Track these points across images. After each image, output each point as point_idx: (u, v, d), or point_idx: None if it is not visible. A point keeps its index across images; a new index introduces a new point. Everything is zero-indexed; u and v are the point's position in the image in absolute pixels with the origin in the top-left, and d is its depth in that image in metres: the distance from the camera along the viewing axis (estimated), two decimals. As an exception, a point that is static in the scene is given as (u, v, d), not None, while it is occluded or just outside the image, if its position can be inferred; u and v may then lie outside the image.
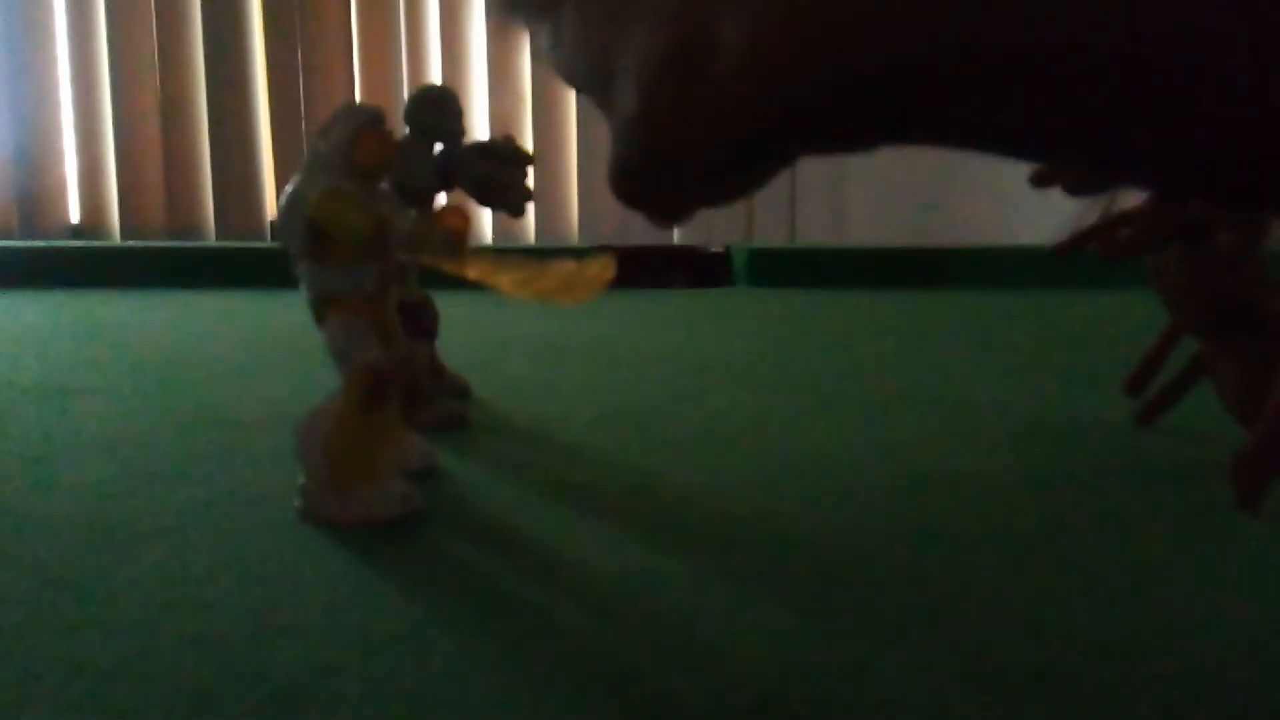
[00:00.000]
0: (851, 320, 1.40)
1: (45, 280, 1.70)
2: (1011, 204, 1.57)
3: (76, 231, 2.59)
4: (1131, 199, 0.74)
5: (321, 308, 0.58)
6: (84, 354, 1.08)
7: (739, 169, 0.25)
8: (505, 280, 0.56)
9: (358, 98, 2.60)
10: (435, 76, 2.62)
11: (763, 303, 1.64)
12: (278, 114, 2.60)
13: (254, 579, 0.50)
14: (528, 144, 2.61)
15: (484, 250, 0.57)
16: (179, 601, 0.47)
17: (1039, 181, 0.71)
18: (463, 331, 1.31)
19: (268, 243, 2.41)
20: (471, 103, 2.63)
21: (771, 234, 2.46)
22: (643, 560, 0.53)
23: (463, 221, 0.55)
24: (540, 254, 0.58)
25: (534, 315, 1.43)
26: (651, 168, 0.26)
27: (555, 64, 0.30)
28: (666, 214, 0.28)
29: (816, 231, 2.35)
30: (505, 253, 0.57)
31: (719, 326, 1.41)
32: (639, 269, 1.72)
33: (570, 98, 2.61)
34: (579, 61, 0.27)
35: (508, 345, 1.22)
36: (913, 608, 0.47)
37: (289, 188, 0.57)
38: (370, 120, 0.56)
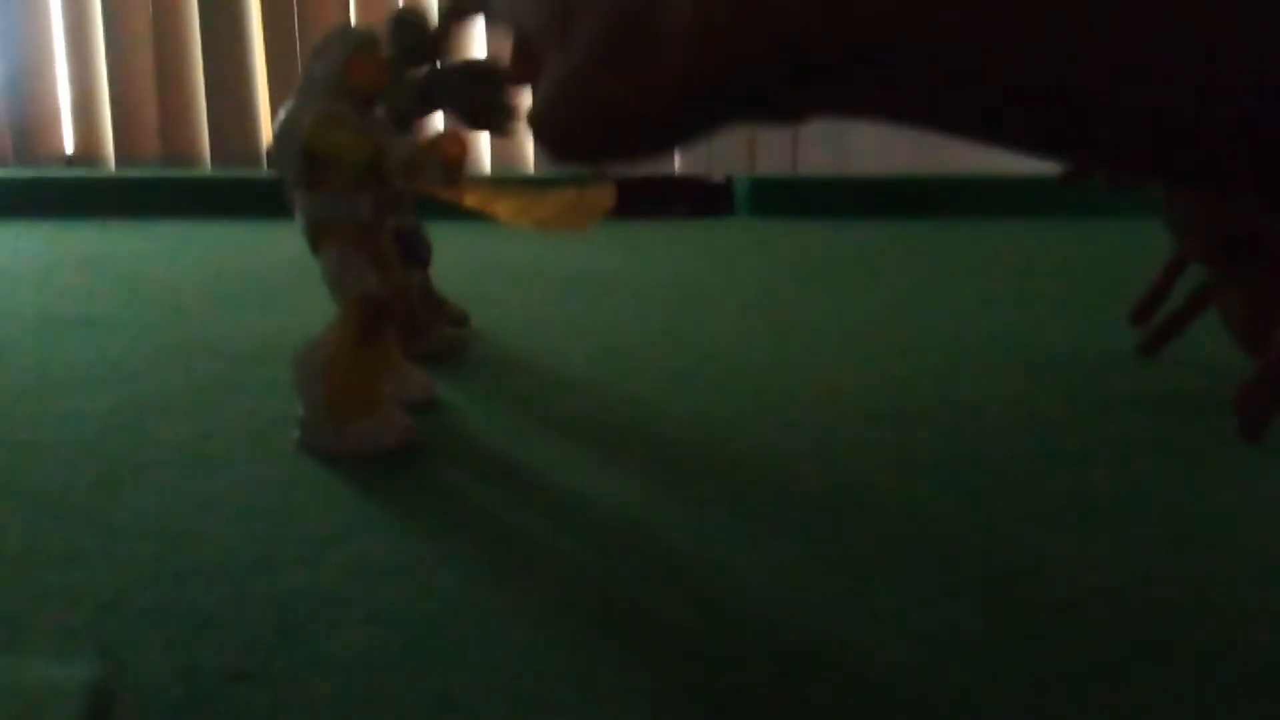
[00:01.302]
0: (853, 251, 1.38)
1: (40, 210, 1.68)
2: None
3: (70, 160, 2.55)
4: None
5: (317, 236, 0.57)
6: (80, 285, 1.07)
7: (673, 131, 0.27)
8: (502, 208, 0.55)
9: (352, 21, 2.54)
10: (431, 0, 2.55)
11: (764, 233, 1.62)
12: (272, 39, 2.54)
13: (253, 509, 0.50)
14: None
15: (481, 178, 0.55)
16: (179, 532, 0.47)
17: (1066, 182, 0.69)
18: (459, 261, 1.30)
19: (263, 170, 2.38)
20: (470, 27, 2.55)
21: (774, 164, 2.42)
22: (641, 491, 0.53)
23: (459, 148, 0.54)
24: (540, 183, 0.56)
25: (532, 245, 1.42)
26: (591, 117, 0.28)
27: (507, 12, 0.32)
28: (583, 158, 0.31)
29: (818, 161, 2.32)
30: (503, 181, 0.56)
31: (720, 257, 1.40)
32: (640, 198, 1.69)
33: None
34: (538, 12, 0.29)
35: (506, 275, 1.20)
36: (912, 537, 0.47)
37: (283, 114, 0.55)
38: (363, 44, 0.55)
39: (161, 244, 1.41)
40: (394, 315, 0.59)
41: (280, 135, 0.55)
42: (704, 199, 1.75)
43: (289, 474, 0.55)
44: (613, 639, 0.38)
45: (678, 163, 2.51)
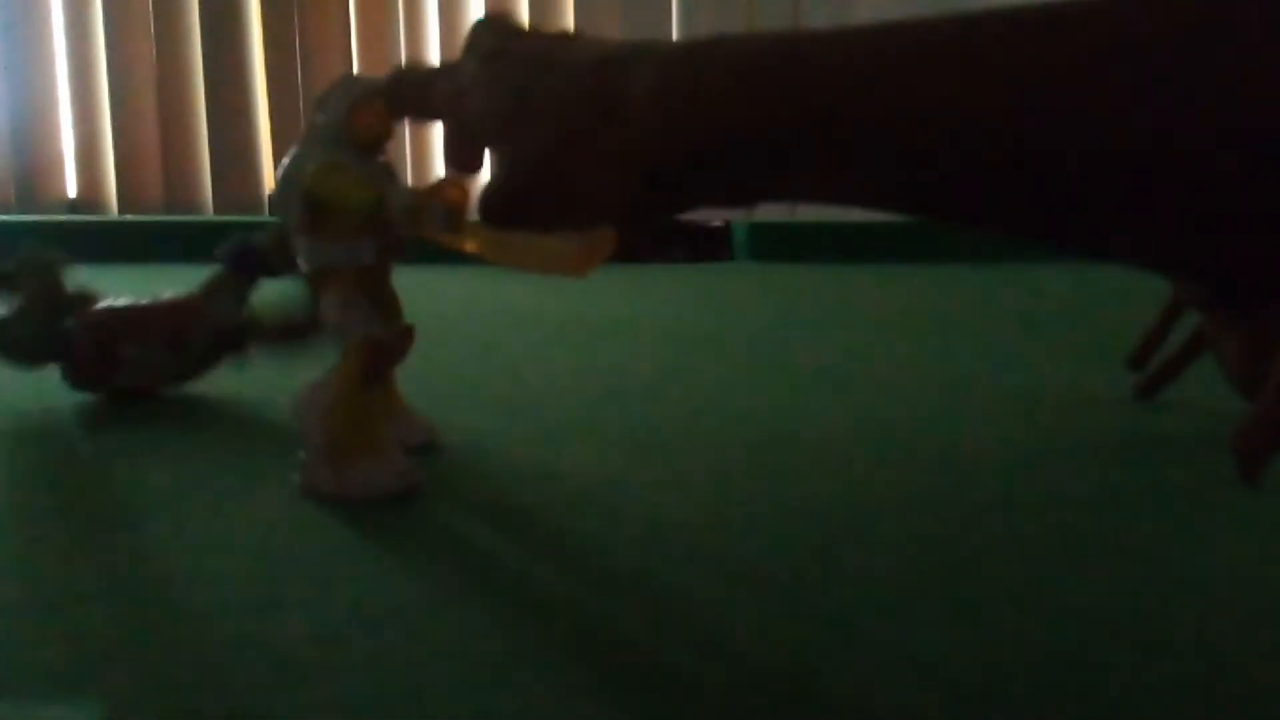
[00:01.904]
0: (852, 295, 1.39)
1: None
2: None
3: (74, 206, 2.57)
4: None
5: (319, 282, 0.57)
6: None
7: (636, 210, 0.31)
8: (504, 253, 0.54)
9: (355, 70, 2.58)
10: (433, 49, 2.60)
11: (763, 277, 1.63)
12: (275, 87, 2.58)
13: (253, 552, 0.50)
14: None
15: (481, 223, 0.56)
16: (177, 575, 0.47)
17: None
18: (457, 306, 1.30)
19: (266, 216, 2.40)
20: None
21: (772, 208, 2.45)
22: (642, 535, 0.53)
23: (461, 194, 0.54)
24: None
25: (529, 289, 1.43)
26: (553, 203, 0.33)
27: (451, 103, 0.35)
28: (540, 228, 0.36)
29: (818, 206, 2.34)
30: (495, 229, 0.56)
31: (719, 301, 1.41)
32: (638, 243, 1.71)
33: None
34: (490, 102, 0.32)
35: (503, 320, 1.21)
36: (908, 580, 0.47)
37: (286, 161, 0.56)
38: (367, 92, 0.56)
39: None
40: (396, 359, 0.59)
41: (283, 182, 0.56)
42: (702, 243, 1.77)
43: (288, 517, 0.55)
44: (615, 683, 0.38)
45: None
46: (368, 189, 0.54)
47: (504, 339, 1.09)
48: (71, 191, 2.57)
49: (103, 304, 0.78)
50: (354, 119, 0.55)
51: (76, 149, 2.57)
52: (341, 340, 0.57)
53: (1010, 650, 0.40)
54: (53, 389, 0.84)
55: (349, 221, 0.56)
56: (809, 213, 2.16)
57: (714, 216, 1.89)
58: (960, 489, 0.60)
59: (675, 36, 2.52)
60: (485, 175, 0.55)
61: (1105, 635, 0.42)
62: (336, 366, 0.57)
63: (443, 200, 0.54)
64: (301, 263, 0.58)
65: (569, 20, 2.56)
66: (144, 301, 0.79)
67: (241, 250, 0.77)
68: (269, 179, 2.56)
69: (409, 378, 0.76)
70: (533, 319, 1.21)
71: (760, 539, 0.52)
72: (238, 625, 0.42)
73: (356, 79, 0.57)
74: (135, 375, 0.76)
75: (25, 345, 0.75)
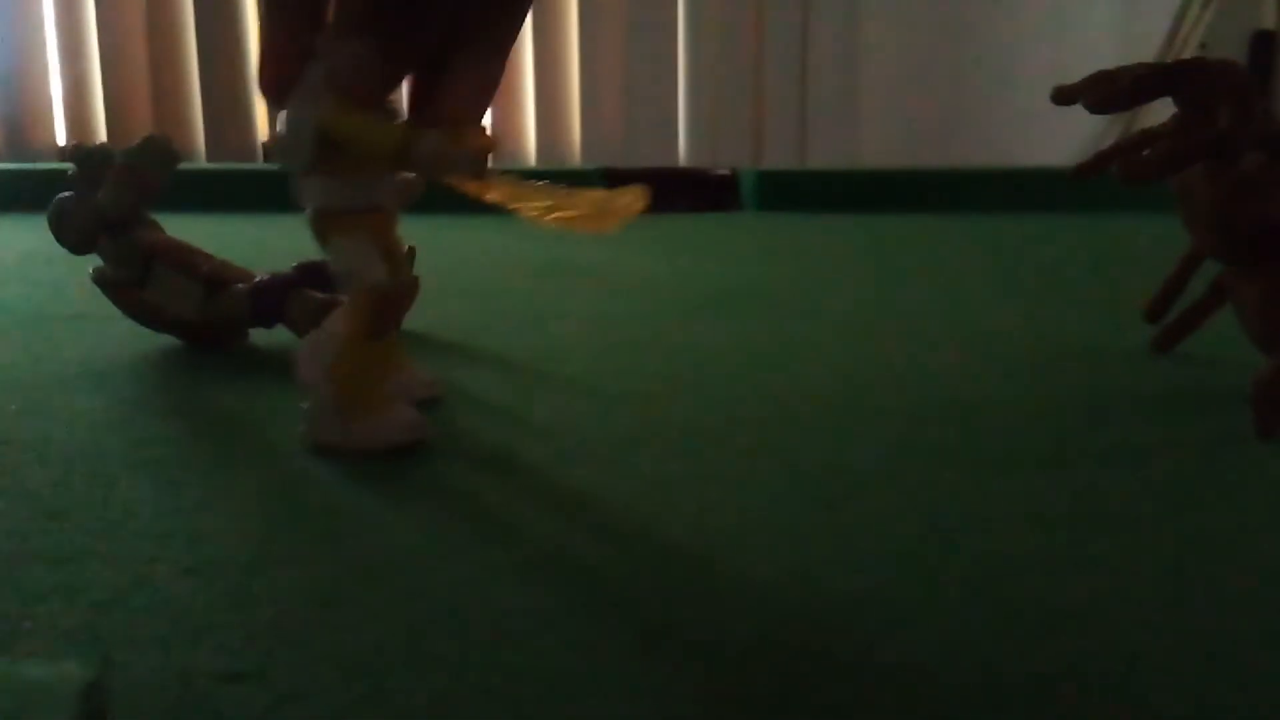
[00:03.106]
0: (863, 245, 1.37)
1: (31, 204, 1.67)
2: (1029, 124, 1.53)
3: (63, 153, 2.54)
4: (1154, 118, 0.71)
5: (326, 225, 0.54)
6: (71, 279, 1.06)
7: None
8: (528, 205, 0.53)
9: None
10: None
11: (771, 227, 1.61)
12: (268, 32, 2.53)
13: (250, 508, 0.49)
14: (529, 65, 2.55)
15: (508, 173, 0.53)
16: (174, 531, 0.46)
17: (1060, 98, 0.68)
18: (459, 256, 1.29)
19: (260, 164, 2.36)
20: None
21: (781, 156, 2.41)
22: (649, 488, 0.51)
23: (488, 141, 0.52)
24: (568, 180, 0.55)
25: (534, 240, 1.41)
26: None
27: None
28: None
29: (827, 153, 2.30)
30: (531, 177, 0.54)
31: (726, 252, 1.39)
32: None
33: (573, 13, 2.53)
34: None
35: (508, 270, 1.19)
36: (923, 534, 0.46)
37: (293, 102, 0.53)
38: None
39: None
40: (404, 309, 0.57)
41: (293, 123, 0.53)
42: (709, 193, 1.74)
43: (286, 471, 0.54)
44: (618, 638, 0.37)
45: (682, 155, 2.50)
46: (391, 129, 0.52)
47: (506, 289, 1.07)
48: (61, 139, 2.53)
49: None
50: None
51: (65, 96, 2.52)
52: (349, 288, 0.55)
53: (1025, 607, 0.39)
54: (62, 337, 0.83)
55: (362, 163, 0.53)
56: (819, 161, 2.12)
57: (719, 165, 1.86)
58: (973, 442, 0.59)
59: (681, 35, 2.47)
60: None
61: (1120, 592, 0.41)
62: (342, 315, 0.55)
63: (470, 146, 0.51)
64: (308, 205, 0.55)
65: (573, 16, 2.50)
66: (206, 252, 0.79)
67: (312, 268, 0.76)
68: (262, 126, 2.51)
69: (408, 330, 0.74)
70: (535, 269, 1.19)
71: (768, 492, 0.51)
72: (233, 582, 0.41)
73: None
74: (157, 291, 0.76)
75: (87, 227, 0.76)
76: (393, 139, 0.51)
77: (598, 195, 0.53)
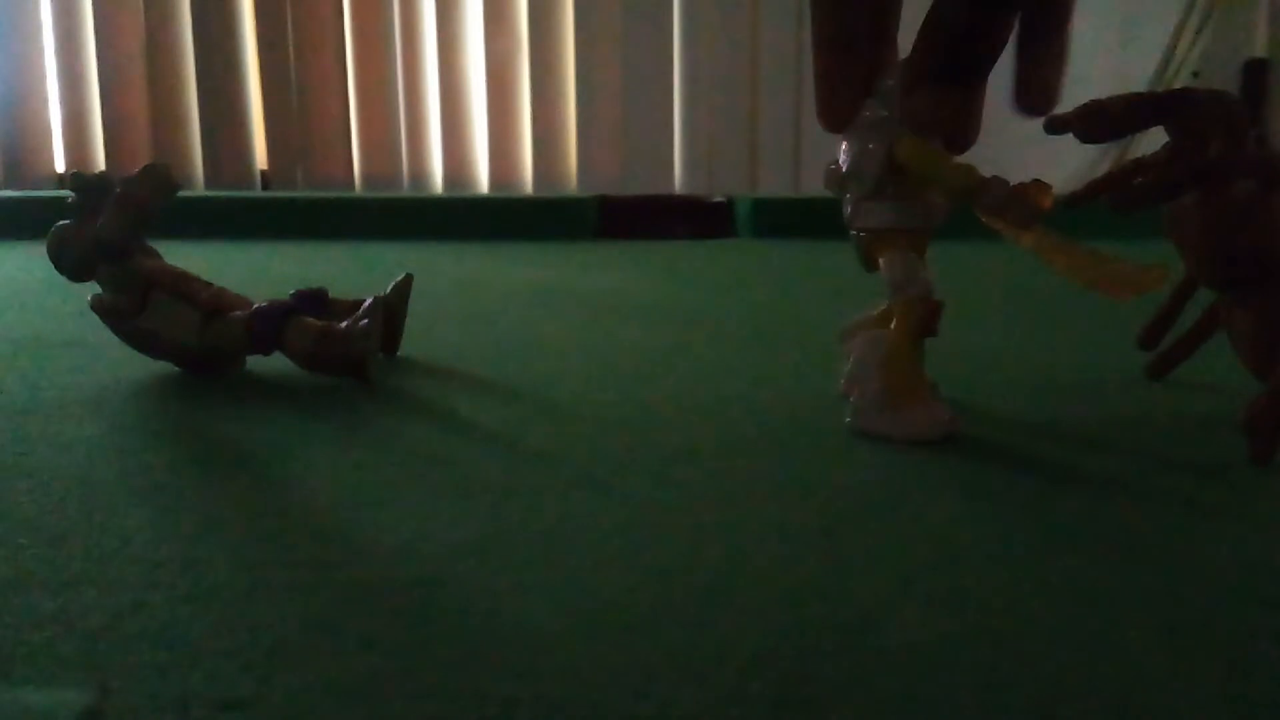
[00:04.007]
0: (857, 271, 1.37)
1: (30, 231, 1.67)
2: (1025, 152, 1.55)
3: (62, 181, 2.54)
4: (1146, 147, 0.72)
5: (878, 242, 0.63)
6: (69, 306, 1.06)
7: None
8: (1058, 259, 0.60)
9: (348, 44, 2.55)
10: (429, 21, 2.56)
11: (766, 254, 1.62)
12: (266, 60, 2.55)
13: (245, 535, 0.49)
14: (525, 93, 2.57)
15: (1049, 229, 0.60)
16: (171, 558, 0.46)
17: (1052, 127, 0.69)
18: (454, 282, 1.29)
19: (258, 192, 2.37)
20: (468, 47, 2.57)
21: (775, 184, 2.43)
22: (639, 511, 0.51)
23: (1048, 201, 0.58)
24: (1100, 247, 0.62)
25: (530, 267, 1.41)
26: None
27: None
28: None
29: (821, 181, 2.31)
30: (1068, 236, 0.61)
31: (721, 278, 1.39)
32: (640, 218, 1.69)
33: (569, 42, 2.55)
34: None
35: (502, 296, 1.20)
36: (919, 560, 0.46)
37: (855, 133, 0.63)
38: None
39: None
40: (939, 316, 0.64)
41: (859, 151, 0.62)
42: (704, 220, 1.75)
43: (282, 498, 0.54)
44: (618, 663, 0.37)
45: (678, 183, 2.51)
46: (965, 170, 0.59)
47: (498, 316, 1.08)
48: (60, 167, 2.54)
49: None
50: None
51: (64, 123, 2.54)
52: (897, 296, 0.63)
53: (1012, 631, 0.39)
54: (59, 363, 0.83)
55: (919, 190, 0.62)
56: (813, 188, 2.13)
57: (715, 192, 1.87)
58: (967, 467, 0.59)
59: (677, 33, 2.49)
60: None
61: (1112, 616, 0.41)
62: (885, 319, 0.63)
63: (1031, 200, 0.58)
64: (861, 225, 0.64)
65: (569, 44, 2.52)
66: (204, 279, 0.81)
67: (309, 296, 0.79)
68: (260, 153, 2.52)
69: (406, 356, 0.74)
70: (532, 296, 1.20)
71: (764, 517, 0.51)
72: (230, 609, 0.41)
73: None
74: (155, 318, 0.76)
75: (86, 254, 0.77)
76: (965, 179, 0.59)
77: (1123, 267, 0.60)
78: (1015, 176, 0.62)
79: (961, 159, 0.62)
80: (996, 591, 0.43)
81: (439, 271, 1.32)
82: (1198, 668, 0.37)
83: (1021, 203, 0.58)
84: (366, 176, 2.52)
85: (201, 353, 0.77)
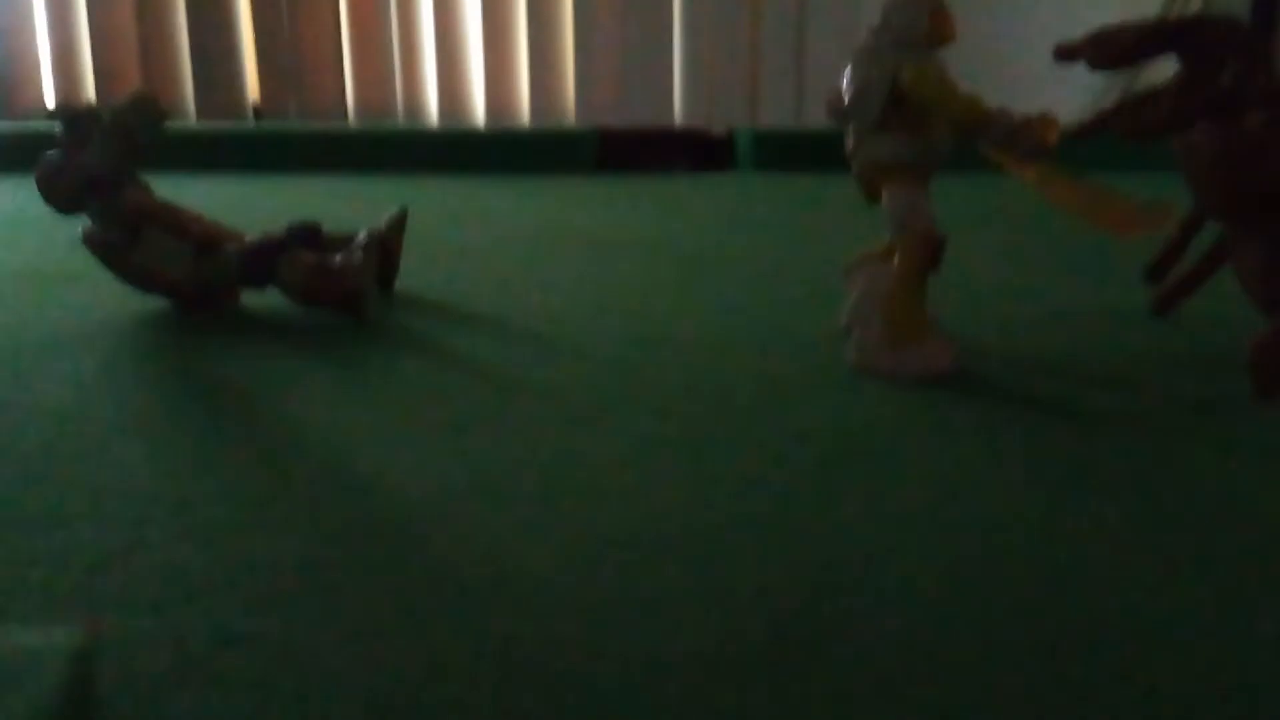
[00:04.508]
0: (857, 205, 1.35)
1: (21, 163, 1.65)
2: (1032, 81, 1.51)
3: (51, 113, 2.50)
4: (1156, 76, 0.70)
5: (881, 175, 0.62)
6: (61, 240, 1.04)
7: None
8: (1062, 194, 0.59)
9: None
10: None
11: (767, 187, 1.59)
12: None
13: (240, 472, 0.48)
14: (522, 22, 2.51)
15: (1052, 163, 0.59)
16: (166, 494, 0.46)
17: (1061, 55, 0.66)
18: (453, 217, 1.27)
19: (250, 124, 2.33)
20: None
21: (777, 115, 2.38)
22: (640, 450, 0.51)
23: (1054, 134, 0.58)
24: (1105, 182, 0.61)
25: (531, 199, 1.39)
26: None
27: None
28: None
29: (824, 112, 2.26)
30: (1072, 172, 0.60)
31: (721, 213, 1.37)
32: (639, 151, 1.66)
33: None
34: None
35: (502, 232, 1.18)
36: (919, 498, 0.46)
37: (857, 61, 0.61)
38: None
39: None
40: (943, 252, 0.63)
41: (863, 81, 0.61)
42: (705, 153, 1.72)
43: (278, 436, 0.53)
44: (608, 593, 0.37)
45: (677, 114, 2.46)
46: (973, 102, 0.59)
47: (497, 251, 1.06)
48: (49, 98, 2.48)
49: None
50: (935, 22, 0.59)
51: (53, 55, 2.48)
52: (901, 232, 0.61)
53: (1011, 568, 0.39)
54: (53, 298, 0.82)
55: (925, 124, 0.60)
56: (816, 119, 2.09)
57: (715, 124, 1.83)
58: (970, 404, 0.58)
59: (676, 15, 2.41)
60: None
61: (1111, 551, 0.40)
62: (886, 255, 0.62)
63: (1038, 134, 0.57)
64: (865, 157, 0.62)
65: (567, 14, 2.44)
66: (197, 214, 0.79)
67: (303, 230, 0.78)
68: (252, 84, 2.47)
69: (402, 290, 0.73)
70: (533, 232, 1.18)
71: (761, 458, 0.51)
72: (227, 546, 0.41)
73: None
74: (147, 253, 0.75)
75: (75, 187, 0.75)
76: (970, 111, 0.59)
77: (1128, 204, 0.59)
78: (1022, 108, 0.60)
79: (967, 90, 0.60)
80: (996, 529, 0.43)
81: (435, 206, 1.30)
82: (1197, 600, 0.37)
83: (1027, 136, 0.57)
84: (360, 107, 2.47)
85: (195, 287, 0.76)
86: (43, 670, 0.27)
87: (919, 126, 0.61)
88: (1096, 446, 0.52)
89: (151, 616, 0.36)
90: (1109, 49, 0.65)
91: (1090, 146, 0.68)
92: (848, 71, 0.62)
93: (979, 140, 0.59)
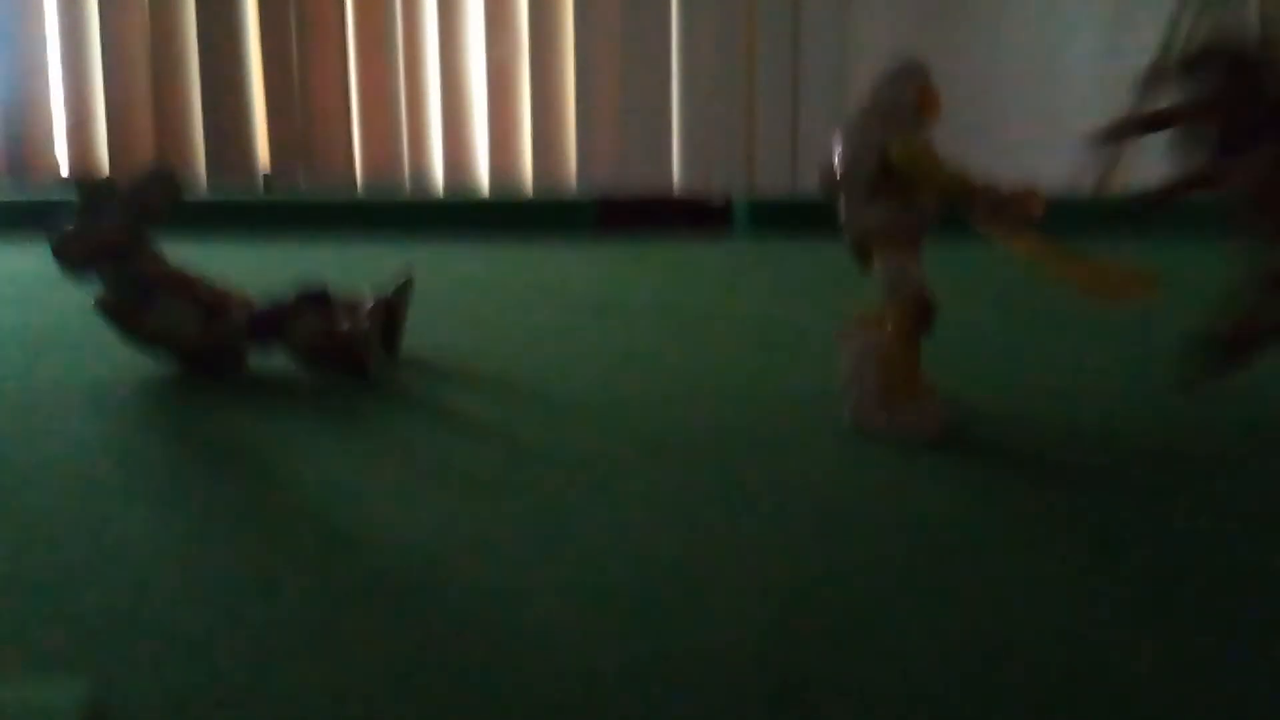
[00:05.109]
0: (854, 271, 1.37)
1: (33, 229, 1.68)
2: (1021, 152, 1.54)
3: (66, 181, 2.54)
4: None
5: (874, 242, 0.64)
6: (73, 304, 1.06)
7: None
8: (1049, 263, 0.61)
9: (350, 45, 2.55)
10: (431, 21, 2.56)
11: (763, 252, 1.62)
12: (269, 59, 2.55)
13: (244, 533, 0.49)
14: (525, 89, 2.57)
15: (1037, 234, 0.61)
16: (170, 554, 0.46)
17: (1108, 137, 0.69)
18: (457, 282, 1.29)
19: (259, 193, 2.38)
20: (469, 49, 2.57)
21: (773, 182, 2.42)
22: (642, 513, 0.52)
23: (1040, 209, 0.60)
24: (1088, 251, 0.62)
25: (530, 266, 1.41)
26: None
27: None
28: None
29: (816, 182, 2.30)
30: (1057, 241, 0.61)
31: (718, 277, 1.39)
32: (638, 216, 1.69)
33: (569, 41, 2.55)
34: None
35: (500, 295, 1.20)
36: (915, 558, 0.46)
37: (847, 135, 0.64)
38: (927, 74, 0.63)
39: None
40: (935, 315, 0.64)
41: (854, 155, 0.63)
42: (702, 219, 1.74)
43: (282, 496, 0.54)
44: (613, 658, 0.37)
45: (676, 179, 2.51)
46: (960, 175, 0.61)
47: (496, 315, 1.08)
48: (63, 163, 2.54)
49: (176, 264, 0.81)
50: (922, 99, 0.62)
51: (68, 121, 2.54)
52: (893, 297, 0.63)
53: (1007, 628, 0.39)
54: (59, 362, 0.83)
55: (915, 193, 0.62)
56: (810, 186, 2.13)
57: (713, 191, 1.87)
58: (963, 467, 0.59)
59: (675, 34, 2.48)
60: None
61: (1104, 612, 0.41)
62: (880, 318, 0.63)
63: (1022, 208, 0.59)
64: (858, 225, 0.64)
65: (568, 43, 2.52)
66: (207, 277, 0.81)
67: (312, 292, 0.79)
68: (263, 153, 2.53)
69: (407, 356, 0.74)
70: (531, 296, 1.20)
71: (758, 517, 0.51)
72: (230, 605, 0.41)
73: (917, 63, 0.63)
74: (157, 317, 0.77)
75: (89, 253, 0.77)
76: (957, 186, 0.61)
77: (1111, 272, 0.61)
78: (1009, 175, 0.62)
79: (954, 164, 0.62)
80: (992, 588, 0.43)
81: (440, 270, 1.33)
82: (1185, 661, 0.37)
83: (1012, 209, 0.59)
84: (367, 175, 2.52)
85: (203, 350, 0.77)
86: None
87: (908, 195, 0.62)
88: (1090, 506, 0.53)
89: (153, 674, 0.36)
90: (1150, 122, 0.68)
91: (1072, 217, 0.70)
92: (838, 144, 0.64)
93: (966, 212, 0.61)
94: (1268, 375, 0.74)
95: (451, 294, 1.19)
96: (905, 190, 0.62)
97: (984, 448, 0.63)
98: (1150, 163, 0.73)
